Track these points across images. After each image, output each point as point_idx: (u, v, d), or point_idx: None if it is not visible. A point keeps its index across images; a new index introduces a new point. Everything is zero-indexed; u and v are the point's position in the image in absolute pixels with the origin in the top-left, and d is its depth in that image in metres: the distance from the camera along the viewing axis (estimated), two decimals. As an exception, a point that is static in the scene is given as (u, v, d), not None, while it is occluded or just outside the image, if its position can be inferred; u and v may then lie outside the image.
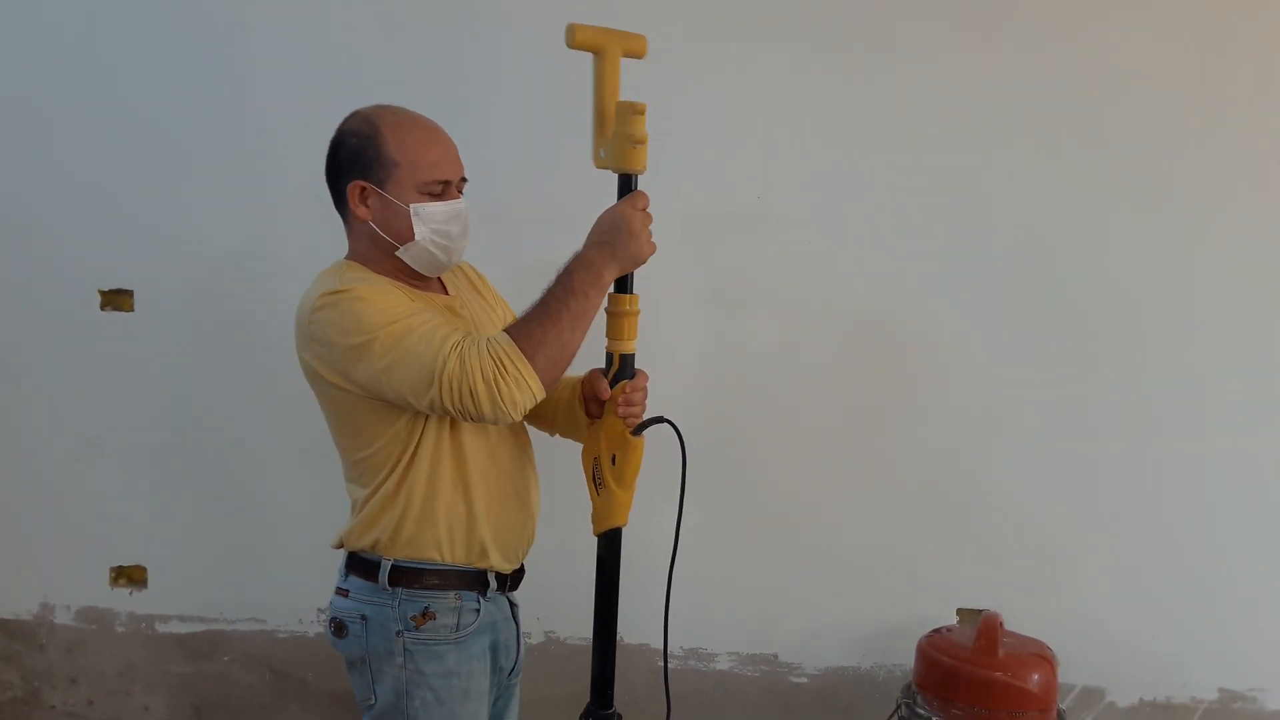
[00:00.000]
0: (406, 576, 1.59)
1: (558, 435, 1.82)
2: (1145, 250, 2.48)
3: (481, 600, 1.64)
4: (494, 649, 1.68)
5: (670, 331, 2.46)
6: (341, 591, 1.64)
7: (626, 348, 1.62)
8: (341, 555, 1.67)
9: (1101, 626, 2.58)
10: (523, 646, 1.79)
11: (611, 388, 1.62)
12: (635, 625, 2.17)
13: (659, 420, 1.64)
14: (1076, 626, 2.54)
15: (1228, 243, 2.47)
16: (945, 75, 2.45)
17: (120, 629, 2.71)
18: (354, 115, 1.61)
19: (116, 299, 2.60)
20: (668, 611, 1.71)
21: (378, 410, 1.53)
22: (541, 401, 1.51)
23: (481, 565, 1.63)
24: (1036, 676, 2.24)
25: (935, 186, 2.48)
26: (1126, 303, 2.50)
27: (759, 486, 2.60)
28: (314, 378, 1.57)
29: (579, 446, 1.72)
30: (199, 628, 2.71)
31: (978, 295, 2.51)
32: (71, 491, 2.66)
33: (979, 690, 2.23)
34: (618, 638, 1.72)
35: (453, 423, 1.56)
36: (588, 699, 1.72)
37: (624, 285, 1.60)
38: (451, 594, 1.60)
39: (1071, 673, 2.55)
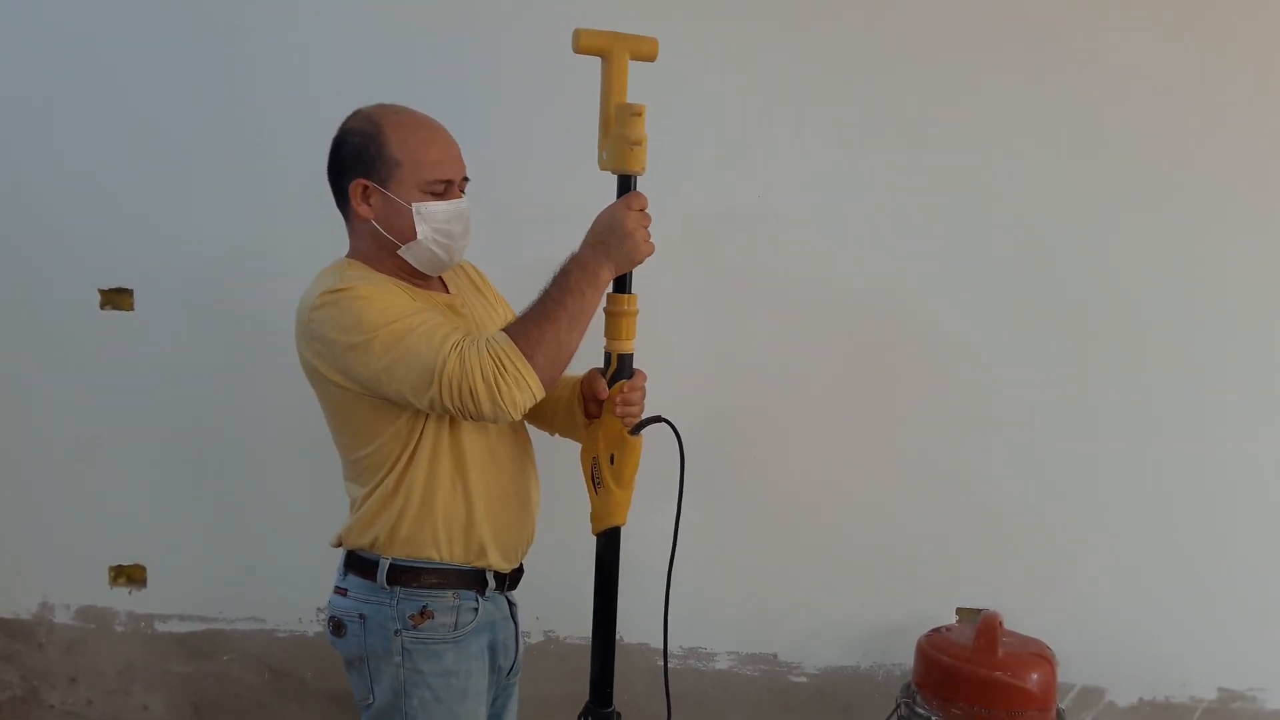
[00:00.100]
0: (405, 575, 1.59)
1: (557, 435, 1.82)
2: (1145, 250, 2.48)
3: (480, 599, 1.64)
4: (492, 648, 1.68)
5: (670, 331, 2.46)
6: (340, 590, 1.64)
7: (625, 347, 1.62)
8: (340, 554, 1.67)
9: (1101, 626, 2.58)
10: (521, 646, 1.79)
11: (610, 387, 1.63)
12: (635, 624, 2.17)
13: (657, 420, 1.64)
14: (1076, 626, 2.55)
15: (1228, 242, 2.47)
16: (945, 75, 2.45)
17: (120, 628, 2.71)
18: (357, 114, 1.61)
19: (116, 298, 2.60)
20: (667, 611, 1.71)
21: (378, 408, 1.54)
22: (541, 401, 1.51)
23: (480, 564, 1.63)
24: (1036, 676, 2.24)
25: (935, 186, 2.48)
26: (1127, 302, 2.50)
27: (759, 486, 2.61)
28: (314, 376, 1.57)
29: (579, 446, 1.72)
30: (198, 627, 2.71)
31: (978, 295, 2.51)
32: (71, 490, 2.66)
33: (978, 690, 2.23)
34: (617, 637, 1.72)
35: (453, 421, 1.56)
36: (587, 698, 1.72)
37: (623, 285, 1.60)
38: (450, 593, 1.60)
39: (1071, 672, 2.55)
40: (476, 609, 1.63)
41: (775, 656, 2.67)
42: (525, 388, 1.45)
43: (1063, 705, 2.49)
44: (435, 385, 1.43)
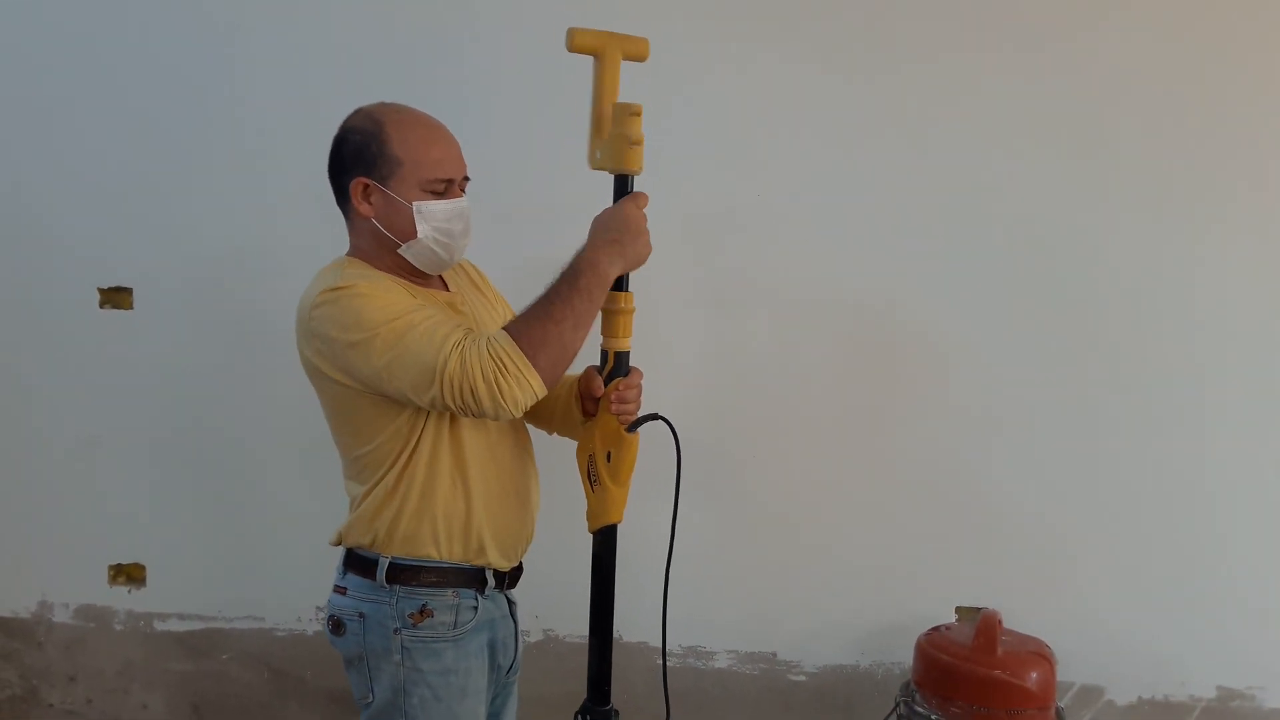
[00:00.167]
0: (404, 574, 1.59)
1: (556, 434, 1.82)
2: (1145, 250, 2.48)
3: (479, 598, 1.64)
4: (492, 647, 1.68)
5: (670, 331, 2.47)
6: (339, 589, 1.64)
7: (621, 345, 1.62)
8: (339, 553, 1.67)
9: (1100, 625, 2.58)
10: (521, 644, 1.79)
11: (606, 385, 1.63)
12: (634, 623, 2.17)
13: (653, 417, 1.64)
14: (1075, 625, 2.55)
15: (1228, 242, 2.47)
16: (945, 75, 2.45)
17: (119, 627, 2.71)
18: (358, 112, 1.61)
19: (116, 297, 2.60)
20: (665, 610, 1.71)
21: (378, 406, 1.54)
22: (539, 400, 1.51)
23: (479, 562, 1.63)
24: (1035, 675, 2.24)
25: (935, 186, 2.48)
26: (1127, 302, 2.50)
27: (758, 485, 2.61)
28: (315, 373, 1.58)
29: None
30: (198, 626, 2.71)
31: (978, 295, 2.51)
32: (70, 489, 2.66)
33: (978, 688, 2.24)
34: (616, 636, 1.73)
35: (453, 419, 1.57)
36: (585, 696, 1.72)
37: (619, 283, 1.60)
38: (449, 591, 1.60)
39: (1070, 671, 2.55)
40: (476, 607, 1.63)
41: (775, 655, 2.67)
42: (527, 387, 1.45)
43: (1062, 704, 2.49)
44: (437, 383, 1.43)
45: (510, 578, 1.72)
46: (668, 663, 1.76)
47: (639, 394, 1.66)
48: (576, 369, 1.66)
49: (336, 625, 1.63)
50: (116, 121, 2.53)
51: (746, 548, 2.62)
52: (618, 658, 1.73)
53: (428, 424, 1.56)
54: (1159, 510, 2.55)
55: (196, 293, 2.59)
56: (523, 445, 1.72)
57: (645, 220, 1.55)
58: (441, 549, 1.59)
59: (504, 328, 1.49)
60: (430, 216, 1.57)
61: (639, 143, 1.55)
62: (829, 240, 2.51)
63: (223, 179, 2.54)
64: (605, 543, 1.68)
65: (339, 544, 1.66)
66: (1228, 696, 2.62)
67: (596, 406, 1.65)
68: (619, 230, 1.52)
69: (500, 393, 1.43)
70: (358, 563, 1.62)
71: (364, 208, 1.58)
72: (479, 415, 1.47)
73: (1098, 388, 2.53)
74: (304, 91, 2.47)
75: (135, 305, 2.60)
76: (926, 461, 2.57)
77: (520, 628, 1.77)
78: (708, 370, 2.57)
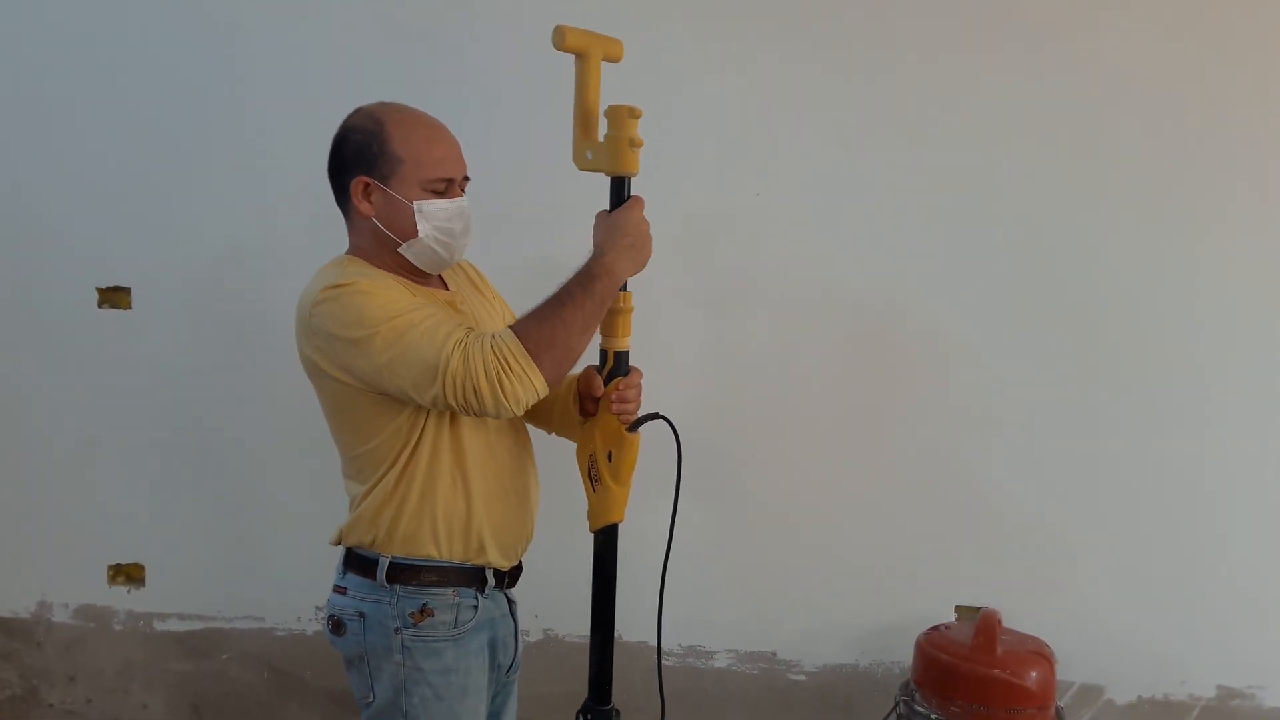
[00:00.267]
0: (404, 573, 1.59)
1: (554, 434, 1.82)
2: (1145, 249, 2.48)
3: (480, 597, 1.64)
4: (492, 646, 1.68)
5: (670, 331, 2.47)
6: (339, 589, 1.64)
7: (620, 344, 1.63)
8: (339, 553, 1.67)
9: (1100, 624, 2.58)
10: (521, 643, 1.79)
11: (606, 385, 1.63)
12: (634, 623, 2.16)
13: (654, 417, 1.64)
14: (1075, 624, 2.55)
15: (1228, 242, 2.47)
16: (945, 75, 2.45)
17: (118, 627, 2.71)
18: (358, 111, 1.61)
19: (114, 297, 2.60)
20: (661, 608, 1.71)
21: (378, 405, 1.54)
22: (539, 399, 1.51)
23: (479, 562, 1.63)
24: (1035, 674, 2.25)
25: (935, 186, 2.48)
26: (1127, 302, 2.50)
27: (758, 485, 2.61)
28: (315, 371, 1.58)
29: (577, 444, 1.72)
30: (197, 626, 2.71)
31: (978, 295, 2.51)
32: (69, 489, 2.66)
33: (977, 688, 2.24)
34: (616, 635, 1.72)
35: (453, 418, 1.57)
36: (586, 695, 1.72)
37: None
38: (449, 591, 1.60)
39: (1070, 670, 2.55)
40: (476, 606, 1.63)
41: (774, 655, 2.67)
42: (529, 385, 1.45)
43: (1062, 703, 2.49)
44: (439, 381, 1.43)
45: (510, 577, 1.72)
46: (667, 662, 1.76)
47: (639, 393, 1.67)
48: (576, 369, 1.66)
49: (337, 625, 1.63)
50: (116, 121, 2.53)
51: (746, 547, 2.62)
52: (617, 657, 1.73)
53: (428, 423, 1.56)
54: (1159, 510, 2.55)
55: (196, 292, 2.59)
56: (522, 445, 1.72)
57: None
58: (442, 548, 1.59)
59: (510, 326, 1.49)
60: (431, 215, 1.57)
61: (639, 145, 1.56)
62: (829, 240, 2.51)
63: (223, 179, 2.54)
64: (607, 542, 1.68)
65: (339, 543, 1.66)
66: (1227, 695, 2.62)
67: (596, 406, 1.65)
68: (634, 236, 1.54)
69: (503, 390, 1.43)
70: (358, 562, 1.62)
71: (364, 207, 1.58)
72: (480, 414, 1.47)
73: (1098, 388, 2.53)
74: (304, 91, 2.47)
75: (134, 305, 2.60)
76: (926, 461, 2.57)
77: (520, 627, 1.77)
78: (708, 370, 2.57)
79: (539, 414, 1.78)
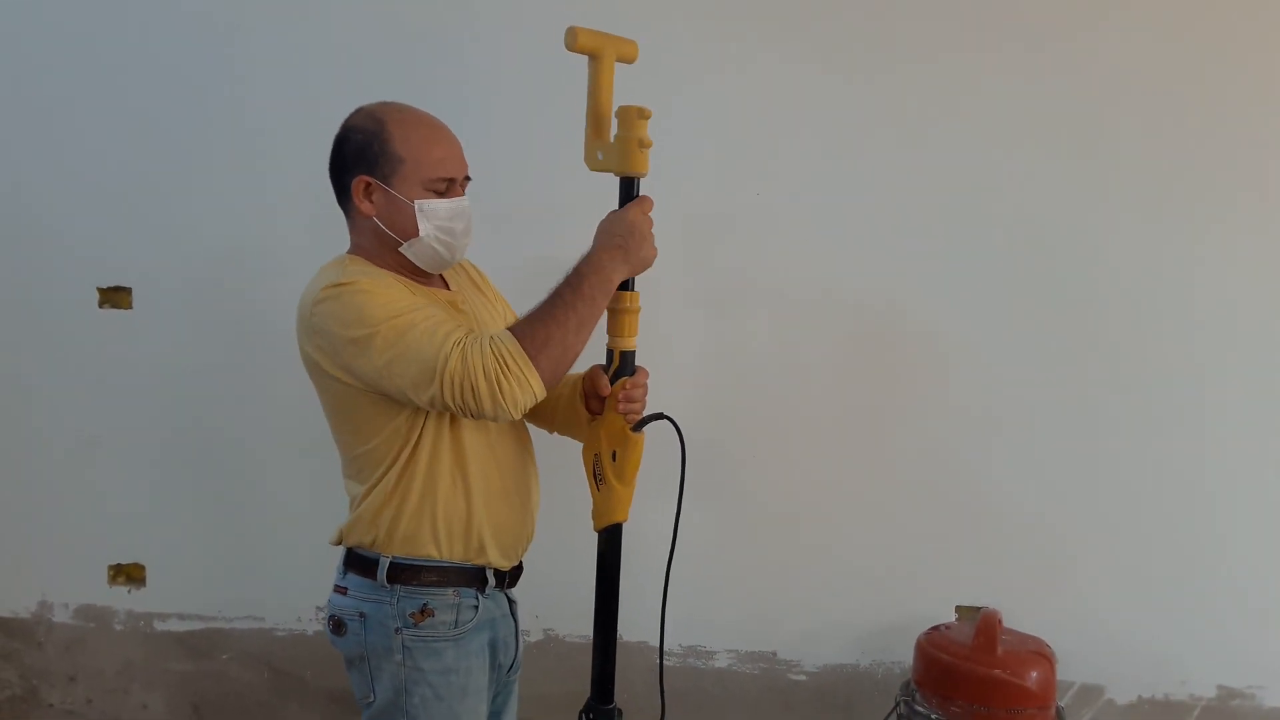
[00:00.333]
0: (405, 573, 1.59)
1: (556, 433, 1.82)
2: (1145, 249, 2.48)
3: (480, 597, 1.64)
4: (492, 646, 1.68)
5: (670, 331, 2.47)
6: (340, 589, 1.64)
7: (627, 344, 1.63)
8: (340, 553, 1.67)
9: (1100, 624, 2.58)
10: (521, 643, 1.79)
11: (612, 384, 1.63)
12: (634, 623, 2.16)
13: (659, 417, 1.65)
14: (1075, 624, 2.55)
15: (1228, 242, 2.47)
16: (945, 75, 2.45)
17: (119, 627, 2.71)
18: (359, 111, 1.62)
19: (115, 296, 2.60)
20: (664, 608, 1.71)
21: (378, 404, 1.54)
22: (541, 399, 1.51)
23: (480, 562, 1.63)
24: (1035, 674, 2.25)
25: (935, 186, 2.48)
26: (1127, 302, 2.50)
27: (758, 485, 2.61)
28: (315, 370, 1.58)
29: (579, 444, 1.72)
30: (198, 626, 2.71)
31: (978, 295, 2.51)
32: (70, 489, 2.66)
33: (978, 688, 2.24)
34: (617, 635, 1.73)
35: (453, 418, 1.57)
36: (586, 696, 1.72)
37: (626, 283, 1.61)
38: (450, 591, 1.60)
39: (1070, 670, 2.55)
40: (477, 606, 1.63)
41: (775, 655, 2.67)
42: (528, 388, 1.45)
43: (1062, 703, 2.49)
44: (437, 382, 1.43)
45: (510, 577, 1.72)
46: (668, 662, 1.76)
47: (645, 393, 1.67)
48: (579, 368, 1.66)
49: (337, 625, 1.63)
50: (116, 121, 2.53)
51: (746, 547, 2.62)
52: (617, 657, 1.73)
53: (428, 423, 1.56)
54: (1159, 510, 2.55)
55: (196, 292, 2.59)
56: (523, 444, 1.72)
57: (651, 225, 1.56)
58: (442, 548, 1.59)
59: (508, 328, 1.49)
60: (432, 215, 1.57)
61: (648, 145, 1.57)
62: (829, 240, 2.51)
63: (223, 179, 2.54)
64: (610, 541, 1.68)
65: (339, 543, 1.66)
66: (1228, 695, 2.62)
67: (602, 405, 1.65)
68: (624, 235, 1.53)
69: (501, 392, 1.43)
70: (358, 562, 1.62)
71: (365, 206, 1.58)
72: (478, 415, 1.47)
73: (1098, 388, 2.53)
74: (304, 91, 2.47)
75: (135, 305, 2.60)
76: (927, 461, 2.57)
77: (521, 627, 1.77)
78: (708, 370, 2.57)
79: (540, 414, 1.78)
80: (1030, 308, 2.51)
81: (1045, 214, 2.48)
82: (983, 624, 2.29)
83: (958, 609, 2.61)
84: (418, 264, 1.61)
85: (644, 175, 1.59)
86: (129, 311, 2.60)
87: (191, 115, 2.52)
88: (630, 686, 2.39)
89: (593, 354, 1.65)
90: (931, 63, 2.45)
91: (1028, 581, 2.57)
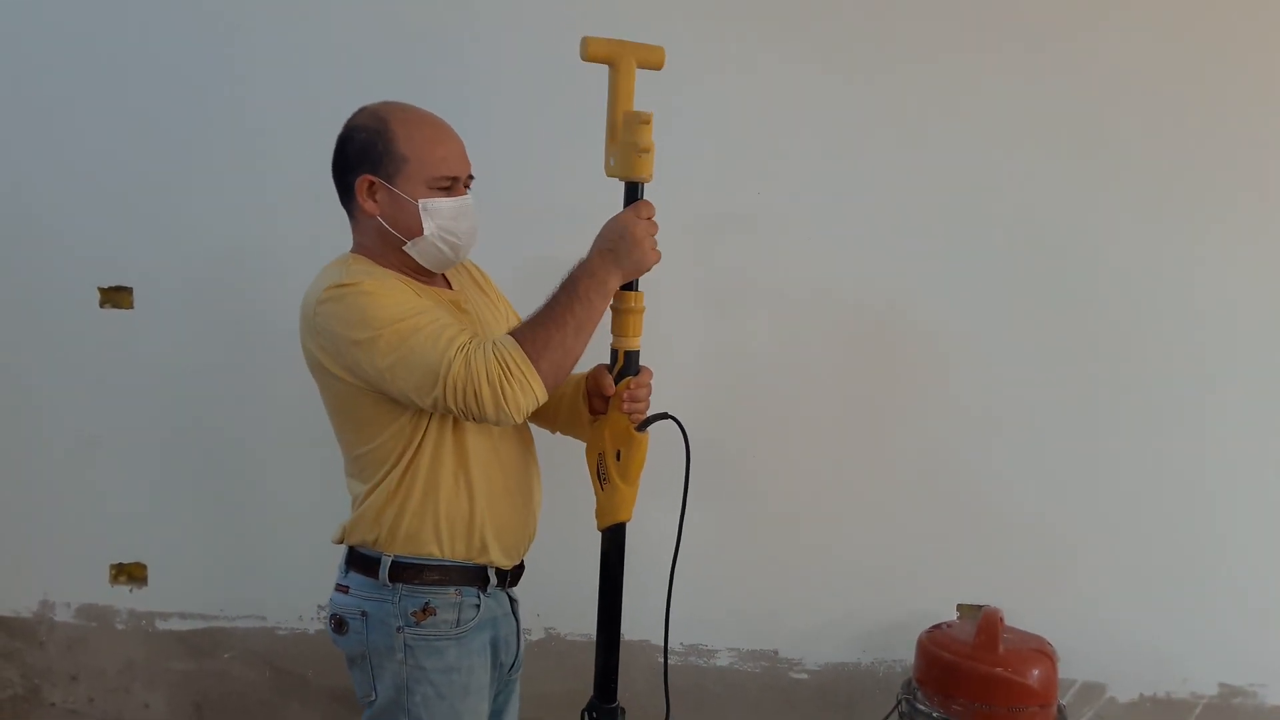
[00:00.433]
0: (407, 572, 1.59)
1: (559, 433, 1.83)
2: (1146, 249, 2.48)
3: (482, 596, 1.64)
4: (494, 644, 1.69)
5: (671, 330, 2.46)
6: (342, 588, 1.65)
7: (631, 344, 1.64)
8: (341, 552, 1.68)
9: (1102, 622, 2.58)
10: (523, 642, 1.79)
11: (616, 384, 1.64)
12: (636, 622, 2.16)
13: (663, 416, 1.65)
14: (1077, 622, 2.55)
15: (1228, 242, 2.47)
16: (945, 75, 2.45)
17: (120, 626, 2.72)
18: (362, 111, 1.62)
19: (116, 296, 2.60)
20: (669, 608, 1.71)
21: (381, 404, 1.54)
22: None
23: (482, 561, 1.63)
24: (1037, 672, 2.25)
25: (935, 186, 2.48)
26: (1127, 301, 2.50)
27: (759, 484, 2.61)
28: (318, 369, 1.58)
29: (582, 443, 1.72)
30: (199, 625, 2.71)
31: (978, 295, 2.51)
32: (71, 488, 2.66)
33: (979, 686, 2.24)
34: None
35: (455, 418, 1.57)
36: (588, 696, 1.73)
37: (630, 284, 1.61)
38: (452, 590, 1.61)
39: (1072, 668, 2.56)
40: (478, 605, 1.64)
41: (776, 653, 2.68)
42: (529, 391, 1.46)
43: (1063, 701, 2.50)
44: (439, 386, 1.43)
45: (512, 576, 1.72)
46: (670, 661, 1.76)
47: (649, 393, 1.67)
48: (582, 368, 1.67)
49: (339, 624, 1.63)
50: (117, 121, 2.53)
51: (747, 546, 2.62)
52: (620, 656, 1.73)
53: (430, 423, 1.56)
54: (1159, 509, 2.56)
55: (197, 292, 2.59)
56: (525, 444, 1.73)
57: (649, 228, 1.56)
58: (444, 547, 1.59)
59: (509, 333, 1.50)
60: (436, 214, 1.57)
61: (648, 150, 1.57)
62: (829, 240, 2.51)
63: (223, 179, 2.54)
64: (614, 541, 1.68)
65: (341, 542, 1.67)
66: (1229, 694, 2.62)
67: (606, 405, 1.66)
68: (615, 240, 1.54)
69: (504, 396, 1.43)
70: (360, 561, 1.62)
71: (369, 205, 1.58)
72: (479, 419, 1.48)
73: (1098, 387, 2.53)
74: (304, 91, 2.47)
75: (135, 305, 2.60)
76: (927, 460, 2.57)
77: (522, 625, 1.78)
78: (708, 370, 2.57)
79: (543, 414, 1.78)
80: (1030, 307, 2.52)
81: (1045, 214, 2.48)
82: (984, 622, 2.29)
83: (959, 607, 2.61)
84: (421, 263, 1.62)
85: (646, 180, 1.60)
86: (130, 311, 2.60)
87: (191, 115, 2.52)
88: (632, 685, 2.39)
89: (593, 355, 1.66)
90: (931, 63, 2.45)
91: (1029, 580, 2.58)
